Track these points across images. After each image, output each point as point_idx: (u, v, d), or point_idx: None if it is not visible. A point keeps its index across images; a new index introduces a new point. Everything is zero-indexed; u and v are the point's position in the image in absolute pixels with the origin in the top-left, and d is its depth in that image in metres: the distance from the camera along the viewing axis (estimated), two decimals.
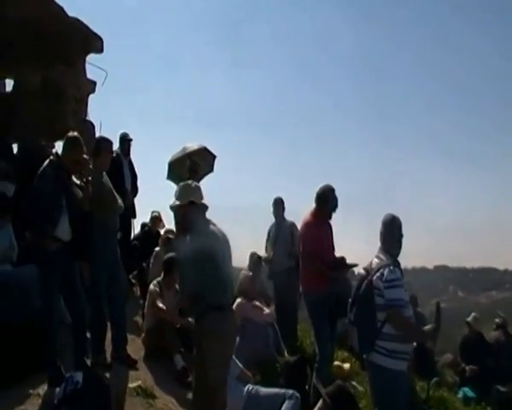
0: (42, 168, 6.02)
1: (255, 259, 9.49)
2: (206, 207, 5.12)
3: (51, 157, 6.17)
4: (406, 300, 5.28)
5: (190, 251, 4.76)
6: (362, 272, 5.58)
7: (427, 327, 5.95)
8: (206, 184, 10.38)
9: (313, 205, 7.10)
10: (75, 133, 6.32)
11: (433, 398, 7.56)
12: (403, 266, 5.60)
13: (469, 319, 10.18)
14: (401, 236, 5.52)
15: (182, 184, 5.26)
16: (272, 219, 9.55)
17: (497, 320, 10.23)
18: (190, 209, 5.01)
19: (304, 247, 7.02)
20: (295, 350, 8.31)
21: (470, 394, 8.84)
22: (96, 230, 6.53)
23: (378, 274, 5.25)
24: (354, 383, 7.82)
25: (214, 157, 11.57)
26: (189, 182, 5.28)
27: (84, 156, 6.32)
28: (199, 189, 5.18)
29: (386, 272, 5.20)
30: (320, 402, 5.03)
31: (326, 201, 7.02)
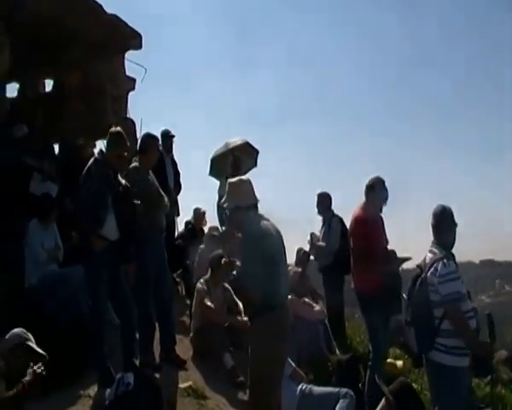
0: (87, 167, 5.95)
1: (301, 255, 9.32)
2: (256, 204, 4.94)
3: (96, 155, 6.10)
4: (463, 292, 5.03)
5: (244, 252, 4.66)
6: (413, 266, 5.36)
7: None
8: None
9: (363, 199, 6.86)
10: (118, 128, 6.23)
11: (489, 396, 7.24)
12: None
13: None
14: (454, 225, 5.27)
15: (229, 183, 5.07)
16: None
17: None
18: (238, 212, 4.87)
19: (355, 242, 6.80)
20: (345, 348, 8.12)
21: None
22: (142, 229, 6.40)
23: (432, 270, 5.03)
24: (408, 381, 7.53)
25: (257, 152, 11.40)
26: (237, 181, 5.05)
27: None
28: (247, 187, 4.97)
29: (439, 266, 4.97)
30: (382, 401, 4.81)
31: (376, 193, 6.77)
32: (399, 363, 7.81)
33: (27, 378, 4.53)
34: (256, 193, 4.98)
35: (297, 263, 8.91)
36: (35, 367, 4.48)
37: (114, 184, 6.04)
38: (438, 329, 4.98)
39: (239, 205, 4.84)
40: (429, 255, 5.17)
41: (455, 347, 4.93)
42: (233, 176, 9.80)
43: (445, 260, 4.98)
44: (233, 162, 10.05)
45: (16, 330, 4.75)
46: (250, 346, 4.78)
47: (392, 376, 7.13)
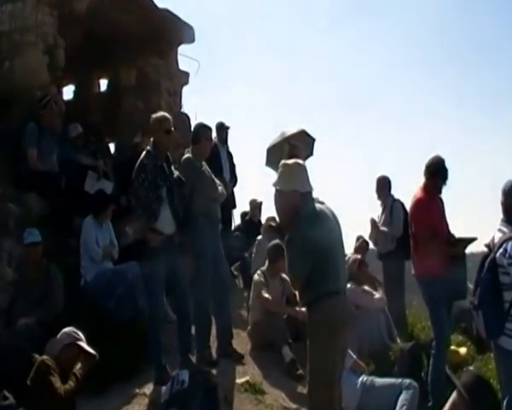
0: (139, 160, 5.91)
1: (361, 242, 9.10)
2: (311, 192, 4.69)
3: (148, 148, 6.03)
4: None
5: (299, 238, 4.40)
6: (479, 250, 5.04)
7: None
8: None
9: (422, 179, 6.56)
10: (159, 112, 6.22)
11: None
12: None
13: None
14: None
15: (284, 164, 4.81)
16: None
17: None
18: (294, 196, 4.57)
19: (416, 225, 6.50)
20: (407, 336, 7.84)
21: None
22: (197, 220, 6.33)
23: (501, 250, 4.66)
24: (471, 368, 7.19)
25: (313, 140, 11.15)
26: (293, 164, 4.79)
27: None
28: (303, 172, 4.72)
29: (509, 246, 4.61)
30: (454, 395, 4.51)
31: (436, 173, 6.45)
32: (463, 350, 7.49)
33: (79, 369, 4.56)
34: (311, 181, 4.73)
35: (356, 250, 8.69)
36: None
37: (168, 176, 5.99)
38: (508, 313, 4.65)
39: (296, 189, 4.57)
40: (498, 234, 4.83)
41: None
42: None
43: None
44: (289, 151, 9.86)
45: (67, 329, 4.75)
46: (308, 337, 4.55)
47: (456, 364, 6.92)
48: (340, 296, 4.54)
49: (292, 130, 10.84)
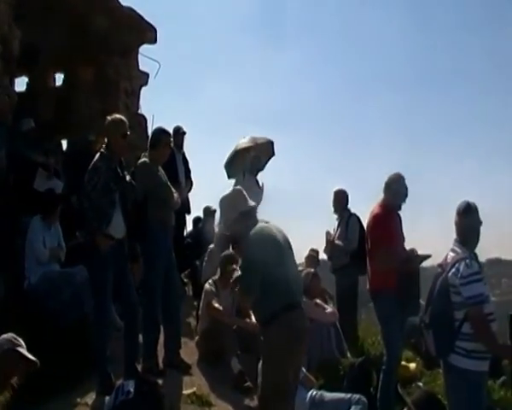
0: (92, 163, 5.73)
1: (310, 255, 9.24)
2: (252, 210, 4.78)
3: (102, 150, 5.86)
4: (486, 294, 4.76)
5: (246, 257, 4.54)
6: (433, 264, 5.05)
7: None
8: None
9: (381, 196, 6.59)
10: (115, 115, 6.04)
11: (505, 399, 6.95)
12: None
13: None
14: (479, 223, 4.97)
15: (221, 200, 5.05)
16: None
17: None
18: (237, 223, 4.70)
19: (372, 240, 6.51)
20: (357, 352, 7.82)
21: None
22: (150, 226, 6.19)
23: (453, 270, 4.72)
24: (420, 383, 7.27)
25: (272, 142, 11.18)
26: (227, 195, 4.99)
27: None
28: (240, 195, 4.86)
29: (461, 267, 4.67)
30: None
31: (396, 190, 6.50)
32: (412, 365, 7.60)
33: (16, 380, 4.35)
34: (249, 200, 4.86)
35: (307, 263, 8.68)
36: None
37: (121, 180, 5.83)
38: (458, 332, 4.71)
39: (236, 216, 4.69)
40: (451, 254, 4.88)
41: (475, 350, 4.66)
42: (250, 171, 9.81)
43: (467, 261, 4.69)
44: (253, 161, 10.03)
45: (6, 335, 4.52)
46: (264, 351, 4.54)
47: (405, 378, 6.99)
48: (299, 310, 4.54)
49: (245, 140, 10.87)
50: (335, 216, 8.83)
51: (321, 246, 9.02)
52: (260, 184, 10.09)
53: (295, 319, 4.43)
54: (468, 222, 4.92)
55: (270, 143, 10.83)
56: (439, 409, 4.59)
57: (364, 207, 7.65)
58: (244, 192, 4.91)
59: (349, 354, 7.50)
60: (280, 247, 4.59)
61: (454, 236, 5.00)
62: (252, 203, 4.80)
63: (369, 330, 8.80)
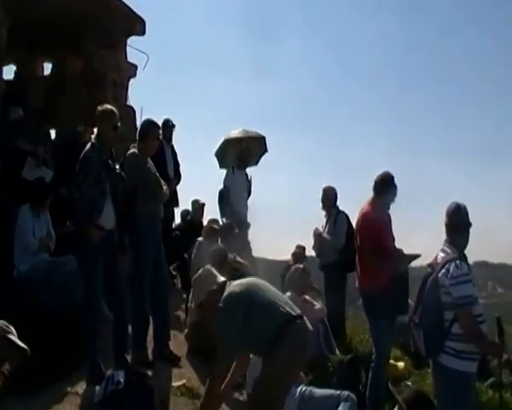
0: (83, 154, 5.68)
1: (296, 251, 9.32)
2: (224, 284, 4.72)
3: (92, 141, 5.82)
4: (476, 295, 4.80)
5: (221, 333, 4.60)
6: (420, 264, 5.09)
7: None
8: None
9: (371, 194, 6.57)
10: (106, 105, 5.98)
11: (493, 400, 7.01)
12: None
13: None
14: (469, 225, 5.00)
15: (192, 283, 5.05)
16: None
17: None
18: (211, 298, 4.68)
19: (362, 239, 6.48)
20: (345, 349, 7.85)
21: None
22: (140, 218, 6.16)
23: (444, 270, 4.75)
24: (409, 382, 7.32)
25: (264, 138, 11.21)
26: (197, 277, 4.90)
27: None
28: (209, 275, 4.82)
29: (451, 267, 4.71)
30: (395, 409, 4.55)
31: (385, 189, 6.47)
32: (401, 364, 7.61)
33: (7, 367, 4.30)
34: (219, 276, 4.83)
35: (295, 260, 8.71)
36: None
37: (112, 171, 5.80)
38: (448, 332, 4.74)
39: (207, 293, 4.68)
40: (441, 255, 4.91)
41: (464, 351, 4.70)
42: (238, 166, 9.86)
43: (457, 262, 4.73)
44: (240, 154, 10.18)
45: None
46: (266, 368, 4.47)
47: (394, 377, 6.99)
48: (302, 320, 4.58)
49: (236, 132, 10.89)
50: (323, 213, 8.84)
51: (308, 244, 9.09)
52: (249, 177, 10.16)
53: (301, 329, 4.49)
54: (457, 223, 4.95)
55: (263, 139, 10.88)
56: (430, 408, 4.63)
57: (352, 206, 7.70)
58: (213, 271, 4.89)
59: (338, 352, 7.50)
60: (256, 285, 4.65)
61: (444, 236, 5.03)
62: (221, 279, 4.75)
63: (357, 328, 8.84)
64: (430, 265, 5.01)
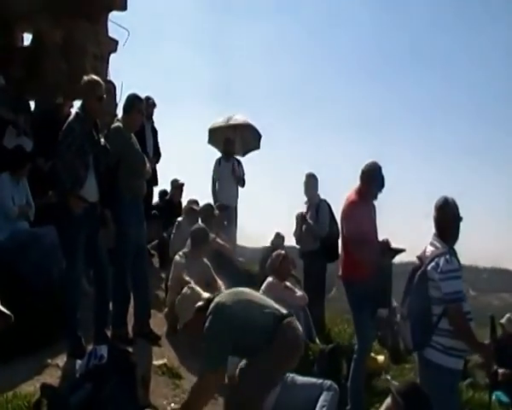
0: (67, 123, 5.57)
1: (275, 238, 9.47)
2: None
3: (77, 110, 5.69)
4: (464, 292, 4.78)
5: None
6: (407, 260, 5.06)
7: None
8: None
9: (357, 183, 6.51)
10: (92, 76, 5.90)
11: (472, 400, 7.07)
12: None
13: (503, 320, 9.57)
14: (459, 219, 4.94)
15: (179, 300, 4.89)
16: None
17: None
18: (194, 320, 4.56)
19: (346, 226, 6.43)
20: (324, 338, 7.82)
21: (504, 398, 8.25)
22: (122, 194, 6.07)
23: (433, 264, 4.69)
24: (388, 376, 7.32)
25: (260, 136, 11.28)
26: (182, 296, 4.82)
27: None
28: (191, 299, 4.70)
29: (441, 262, 4.65)
30: (389, 400, 4.49)
31: (372, 179, 6.40)
32: (380, 358, 7.60)
33: None
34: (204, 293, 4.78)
35: (274, 248, 8.67)
36: None
37: (96, 143, 5.68)
38: (435, 326, 4.69)
39: (196, 310, 4.55)
40: (430, 248, 4.85)
41: (453, 347, 4.66)
42: (225, 154, 9.81)
43: (447, 256, 4.67)
44: (225, 143, 10.38)
45: None
46: (261, 361, 4.44)
47: (373, 370, 7.03)
48: (293, 318, 4.64)
49: (238, 118, 10.97)
50: (305, 199, 8.80)
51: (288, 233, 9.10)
52: (236, 165, 10.15)
53: (293, 327, 4.54)
54: (446, 216, 4.89)
55: (249, 125, 10.93)
56: (424, 401, 4.59)
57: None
58: (197, 289, 4.86)
59: (318, 341, 7.47)
60: (242, 291, 4.65)
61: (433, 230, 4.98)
62: (206, 295, 4.68)
63: (334, 318, 8.88)
64: (419, 258, 4.94)
